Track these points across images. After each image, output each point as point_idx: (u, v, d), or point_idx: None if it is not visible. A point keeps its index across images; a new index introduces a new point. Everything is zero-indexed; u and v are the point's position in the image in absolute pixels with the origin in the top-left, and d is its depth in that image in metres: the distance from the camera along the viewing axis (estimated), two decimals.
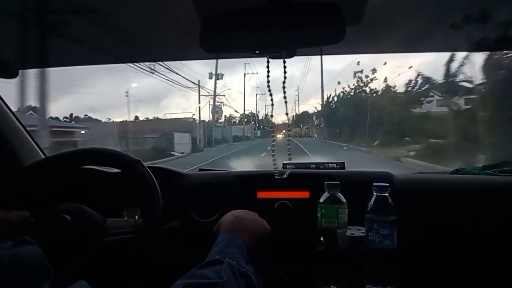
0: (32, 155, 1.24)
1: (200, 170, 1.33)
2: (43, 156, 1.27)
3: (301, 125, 61.95)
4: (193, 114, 26.21)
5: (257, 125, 56.44)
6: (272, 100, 1.08)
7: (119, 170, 1.01)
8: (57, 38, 1.25)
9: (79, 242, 0.85)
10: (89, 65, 1.66)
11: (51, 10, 1.09)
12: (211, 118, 30.10)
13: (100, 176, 1.20)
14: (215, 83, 28.62)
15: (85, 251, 0.84)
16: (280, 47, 0.92)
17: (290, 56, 0.96)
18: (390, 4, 1.01)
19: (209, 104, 29.48)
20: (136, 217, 1.06)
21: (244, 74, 45.15)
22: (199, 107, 26.82)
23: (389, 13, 1.05)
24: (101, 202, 0.98)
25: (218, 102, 29.88)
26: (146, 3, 1.01)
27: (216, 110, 30.11)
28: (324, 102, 30.31)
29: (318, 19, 0.84)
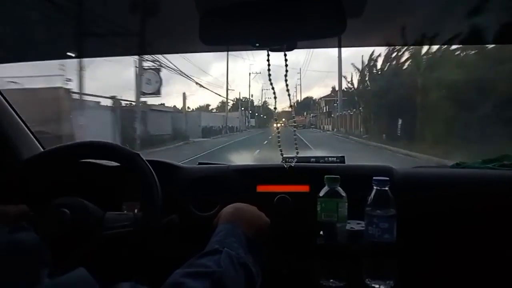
0: (31, 148, 1.24)
1: (200, 163, 1.33)
2: (42, 150, 1.27)
3: (305, 113, 50.09)
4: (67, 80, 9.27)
5: (250, 111, 45.45)
6: (274, 93, 1.08)
7: (118, 164, 1.00)
8: (62, 31, 1.25)
9: (77, 235, 0.85)
10: (88, 57, 1.65)
11: (55, 4, 1.08)
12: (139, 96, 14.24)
13: (99, 169, 1.19)
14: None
15: (84, 244, 0.84)
16: (280, 40, 0.91)
17: (291, 49, 0.96)
18: None
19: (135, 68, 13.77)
20: (136, 210, 1.06)
21: None
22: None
23: (391, 5, 1.04)
24: (100, 196, 0.98)
25: (148, 64, 14.03)
26: None
27: (148, 78, 14.37)
28: (357, 74, 15.60)
29: (319, 12, 0.83)
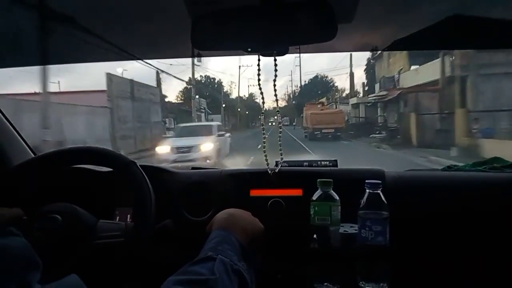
0: (21, 154, 1.23)
1: (193, 168, 1.33)
2: (33, 155, 1.26)
3: (324, 99, 31.32)
4: None
5: (205, 100, 26.70)
6: (263, 99, 1.08)
7: (110, 169, 1.00)
8: (51, 36, 1.24)
9: (68, 243, 0.83)
10: (81, 62, 1.64)
11: (45, 8, 1.07)
12: None
13: (92, 175, 1.18)
14: None
15: (74, 252, 0.83)
16: (272, 45, 0.92)
17: (282, 54, 0.96)
18: (382, 2, 1.01)
19: None
20: (128, 216, 1.05)
21: None
22: None
23: (381, 11, 1.05)
24: (92, 202, 0.97)
25: None
26: (137, 2, 1.00)
27: None
28: None
29: (310, 18, 0.84)
